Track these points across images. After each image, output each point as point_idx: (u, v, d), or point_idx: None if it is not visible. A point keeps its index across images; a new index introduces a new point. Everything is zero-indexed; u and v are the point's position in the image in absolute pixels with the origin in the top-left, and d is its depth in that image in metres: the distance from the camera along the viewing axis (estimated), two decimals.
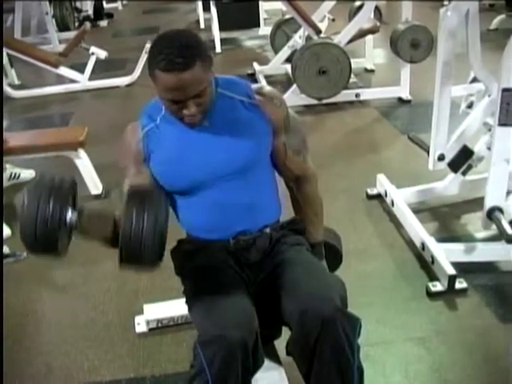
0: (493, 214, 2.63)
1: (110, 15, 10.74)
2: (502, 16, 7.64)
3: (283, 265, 1.77)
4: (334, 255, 2.05)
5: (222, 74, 1.76)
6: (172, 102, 1.58)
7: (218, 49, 7.58)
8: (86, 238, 1.64)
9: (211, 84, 1.62)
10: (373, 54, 6.39)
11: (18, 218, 1.48)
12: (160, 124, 1.73)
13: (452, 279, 2.63)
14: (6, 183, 3.83)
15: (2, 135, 3.21)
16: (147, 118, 1.75)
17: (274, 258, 1.81)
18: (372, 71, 6.36)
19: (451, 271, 2.64)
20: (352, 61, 5.10)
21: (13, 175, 3.96)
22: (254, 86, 1.80)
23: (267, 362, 1.79)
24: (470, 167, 3.25)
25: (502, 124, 2.49)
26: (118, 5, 11.98)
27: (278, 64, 6.27)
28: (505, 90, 2.43)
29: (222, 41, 7.64)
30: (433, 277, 2.75)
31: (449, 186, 3.39)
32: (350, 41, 5.24)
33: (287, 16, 6.53)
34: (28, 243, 1.50)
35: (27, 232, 1.47)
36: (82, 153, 3.76)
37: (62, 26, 9.26)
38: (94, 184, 3.82)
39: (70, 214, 1.53)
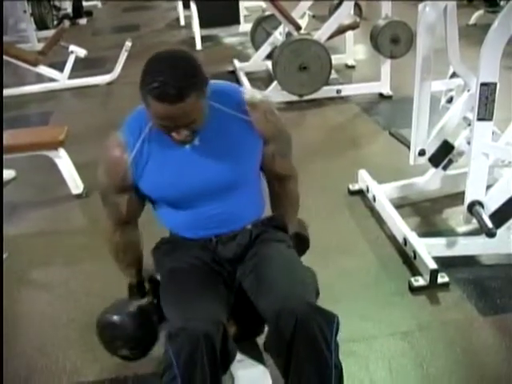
0: (473, 208, 2.64)
1: (89, 13, 10.65)
2: (481, 11, 7.70)
3: (261, 262, 1.77)
4: (302, 242, 2.07)
5: (205, 74, 1.73)
6: (163, 125, 1.55)
7: (199, 46, 7.56)
8: None
9: (205, 108, 1.57)
10: (353, 50, 6.41)
11: None
12: (147, 139, 1.68)
13: (434, 274, 2.64)
14: None
15: (1, 134, 3.18)
16: (132, 135, 1.69)
17: (254, 255, 1.81)
18: (353, 67, 6.37)
19: (433, 266, 2.65)
20: (333, 57, 5.12)
21: None
22: (246, 95, 1.75)
23: (250, 359, 1.79)
24: (450, 162, 3.27)
25: (480, 118, 2.50)
26: (98, 3, 11.89)
27: (258, 61, 6.27)
28: (483, 85, 2.44)
29: (203, 38, 7.61)
30: (415, 271, 2.76)
31: (430, 180, 3.41)
32: (331, 37, 5.26)
33: (267, 13, 6.53)
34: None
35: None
36: (62, 152, 3.73)
37: (41, 25, 9.18)
38: (74, 183, 3.79)
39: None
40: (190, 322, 1.55)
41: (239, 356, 1.79)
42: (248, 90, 1.81)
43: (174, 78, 1.44)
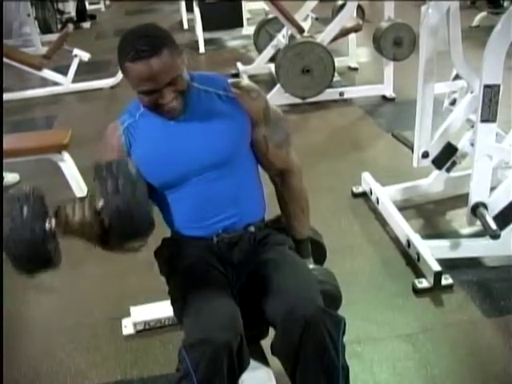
0: (477, 210, 2.64)
1: (92, 17, 10.68)
2: (484, 13, 7.70)
3: (266, 265, 1.77)
4: (319, 251, 2.05)
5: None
6: (147, 93, 1.59)
7: (202, 49, 7.57)
8: (72, 237, 1.56)
9: (184, 73, 1.63)
10: (356, 53, 6.41)
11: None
12: (139, 119, 1.75)
13: (438, 276, 2.65)
14: None
15: (1, 136, 3.18)
16: (127, 115, 1.77)
17: (257, 258, 1.80)
18: (356, 69, 6.37)
19: (437, 268, 2.65)
20: (335, 59, 5.12)
21: None
22: (231, 80, 1.81)
23: (254, 362, 1.79)
24: (454, 164, 3.27)
25: (484, 120, 2.50)
26: (101, 6, 11.92)
27: (261, 64, 6.28)
28: (486, 87, 2.44)
29: (206, 41, 7.62)
30: (419, 274, 2.76)
31: (433, 183, 3.42)
32: (334, 39, 5.26)
33: (270, 16, 6.54)
34: (18, 266, 1.47)
35: (12, 255, 1.44)
36: (66, 155, 3.73)
37: (45, 28, 9.20)
38: (78, 187, 3.79)
39: (47, 220, 1.49)
40: (211, 332, 1.53)
41: None
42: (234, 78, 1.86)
43: (144, 39, 1.54)
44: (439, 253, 2.79)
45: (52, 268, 1.51)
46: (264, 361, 1.91)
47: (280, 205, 1.97)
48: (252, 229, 1.84)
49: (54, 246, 1.52)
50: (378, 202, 3.37)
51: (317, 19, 6.84)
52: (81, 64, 6.40)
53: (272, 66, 5.69)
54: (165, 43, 1.56)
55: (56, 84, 6.40)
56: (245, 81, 1.84)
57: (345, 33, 5.65)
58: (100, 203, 1.47)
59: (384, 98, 5.38)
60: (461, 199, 3.15)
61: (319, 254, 2.04)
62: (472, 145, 2.88)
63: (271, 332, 1.84)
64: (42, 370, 2.42)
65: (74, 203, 1.54)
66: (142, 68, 1.53)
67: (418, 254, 2.78)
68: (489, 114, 2.49)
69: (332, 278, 1.92)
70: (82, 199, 1.54)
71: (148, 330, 2.54)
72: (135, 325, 2.53)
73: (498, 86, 2.44)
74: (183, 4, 8.94)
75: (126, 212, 1.44)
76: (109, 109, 5.73)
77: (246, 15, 8.20)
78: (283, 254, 1.82)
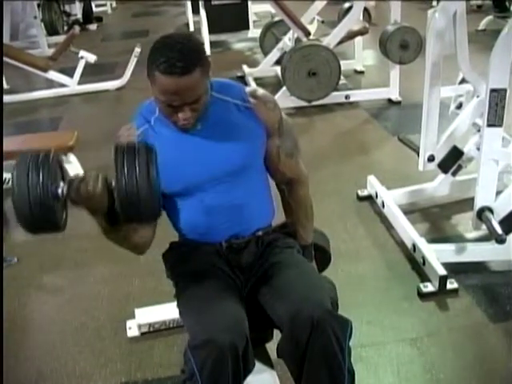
0: (483, 214, 2.63)
1: (99, 19, 10.70)
2: (490, 17, 7.69)
3: (274, 268, 1.77)
4: (322, 256, 2.05)
5: (212, 77, 1.75)
6: (168, 105, 1.58)
7: (208, 51, 7.56)
8: (81, 208, 1.52)
9: (208, 90, 1.63)
10: (362, 56, 6.41)
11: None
12: (154, 125, 1.73)
13: (443, 280, 2.64)
14: None
15: (1, 138, 3.20)
16: (141, 119, 1.75)
17: (266, 261, 1.81)
18: (362, 73, 6.37)
19: (442, 272, 2.65)
20: (341, 62, 5.12)
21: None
22: (248, 88, 1.80)
23: (259, 365, 1.79)
24: (459, 168, 3.26)
25: (490, 124, 2.50)
26: (107, 8, 11.95)
27: (267, 66, 6.28)
28: (493, 91, 2.44)
29: (212, 43, 7.62)
30: (424, 278, 2.76)
31: (439, 186, 3.41)
32: (340, 42, 5.26)
33: (276, 18, 6.53)
34: (26, 223, 1.43)
35: (22, 212, 1.41)
36: (71, 157, 3.74)
37: (51, 30, 9.22)
38: None
39: (61, 185, 1.46)
40: (216, 333, 1.52)
41: None
42: (250, 87, 1.85)
43: (180, 53, 1.51)
44: (444, 257, 2.78)
45: (57, 231, 1.48)
46: (269, 363, 1.91)
47: (285, 212, 1.99)
48: (260, 233, 1.84)
49: (64, 212, 1.50)
50: (383, 206, 3.36)
51: (323, 22, 6.83)
52: (87, 66, 6.40)
53: (278, 69, 5.69)
54: (199, 61, 1.54)
55: (62, 86, 6.42)
56: (260, 90, 1.83)
57: (351, 36, 5.65)
58: (113, 182, 1.47)
59: (390, 101, 5.37)
60: (466, 203, 3.14)
61: (323, 260, 2.04)
62: (478, 149, 2.87)
63: (275, 336, 1.84)
64: (46, 371, 2.42)
65: (89, 175, 1.49)
66: (170, 82, 1.52)
67: (424, 258, 2.78)
68: (495, 118, 2.48)
69: (332, 286, 1.92)
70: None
71: (153, 331, 2.54)
72: (140, 327, 2.53)
73: (505, 90, 2.44)
74: (189, 6, 8.94)
75: (135, 198, 1.44)
76: (114, 111, 5.75)
77: (252, 18, 8.20)
78: (292, 256, 1.83)
